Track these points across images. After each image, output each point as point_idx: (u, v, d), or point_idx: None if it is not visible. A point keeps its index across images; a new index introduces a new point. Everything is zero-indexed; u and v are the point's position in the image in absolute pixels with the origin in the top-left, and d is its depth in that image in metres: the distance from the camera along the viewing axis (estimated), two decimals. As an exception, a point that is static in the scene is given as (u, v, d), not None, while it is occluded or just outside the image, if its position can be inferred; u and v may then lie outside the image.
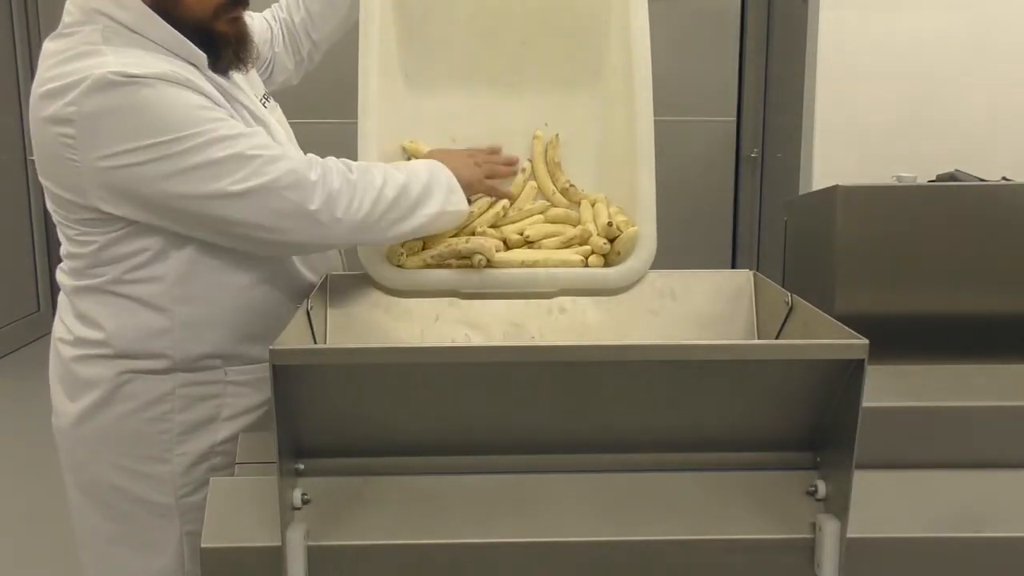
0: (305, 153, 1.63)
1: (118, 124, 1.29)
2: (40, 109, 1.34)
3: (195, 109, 1.33)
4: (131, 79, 1.29)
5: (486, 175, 1.59)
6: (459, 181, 1.51)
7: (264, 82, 1.71)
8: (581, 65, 1.67)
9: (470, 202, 1.55)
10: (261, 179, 1.32)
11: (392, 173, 1.44)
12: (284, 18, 1.76)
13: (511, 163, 1.65)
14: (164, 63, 1.34)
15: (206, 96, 1.36)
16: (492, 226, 1.58)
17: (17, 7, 4.79)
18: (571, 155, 1.67)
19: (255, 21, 1.71)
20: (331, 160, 1.41)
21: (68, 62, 1.32)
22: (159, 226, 1.37)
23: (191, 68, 1.39)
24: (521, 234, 1.57)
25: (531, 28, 1.66)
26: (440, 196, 1.47)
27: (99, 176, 1.32)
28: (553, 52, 1.67)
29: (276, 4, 1.80)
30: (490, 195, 1.60)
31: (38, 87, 1.35)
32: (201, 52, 1.40)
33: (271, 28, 1.75)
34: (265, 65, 1.74)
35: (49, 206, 1.45)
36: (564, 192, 1.63)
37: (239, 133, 1.34)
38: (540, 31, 1.66)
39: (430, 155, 1.57)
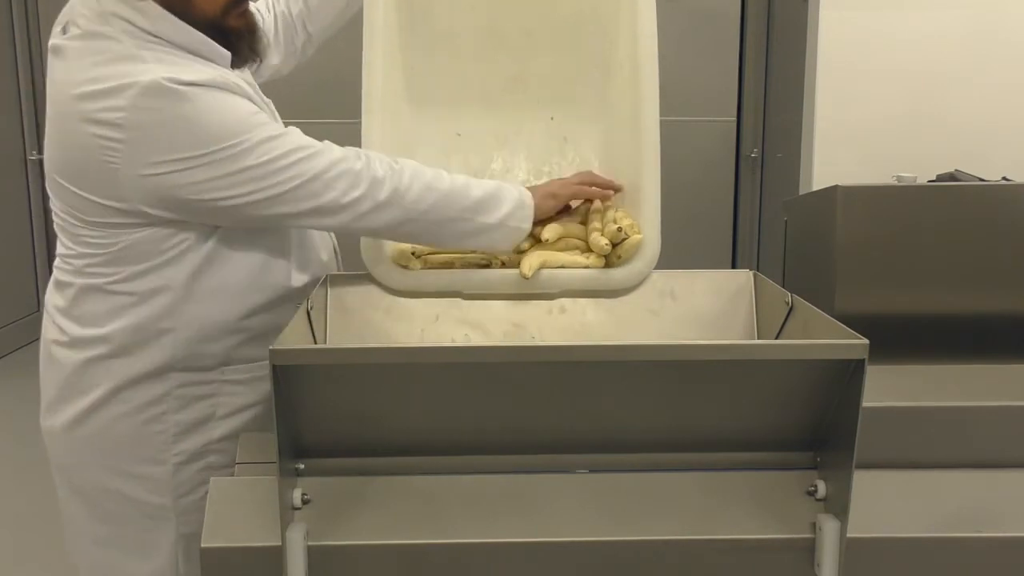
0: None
1: (171, 131, 1.30)
2: (79, 110, 1.32)
3: (245, 114, 1.35)
4: (184, 85, 1.29)
5: (574, 189, 1.57)
6: (538, 194, 1.50)
7: (253, 75, 1.69)
8: (587, 59, 1.66)
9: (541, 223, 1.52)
10: (309, 173, 1.35)
11: (448, 175, 1.45)
12: (281, 10, 1.74)
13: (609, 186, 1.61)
14: (191, 67, 1.34)
15: (250, 98, 1.38)
16: None
17: (17, 7, 4.78)
18: (575, 151, 1.67)
19: None
20: (375, 153, 1.43)
21: (108, 64, 1.31)
22: (184, 227, 1.38)
23: (220, 69, 1.39)
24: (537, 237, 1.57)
25: (537, 19, 1.66)
26: (507, 207, 1.46)
27: (147, 182, 1.32)
28: (559, 44, 1.66)
29: None
30: (580, 196, 1.59)
31: (73, 87, 1.32)
32: (225, 51, 1.40)
33: (263, 19, 1.73)
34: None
35: (58, 205, 1.42)
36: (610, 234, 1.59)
37: (284, 132, 1.37)
38: (546, 22, 1.66)
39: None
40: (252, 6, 1.70)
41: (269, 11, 1.74)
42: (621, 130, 1.62)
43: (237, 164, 1.32)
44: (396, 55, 1.63)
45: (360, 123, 1.58)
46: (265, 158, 1.33)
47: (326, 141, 1.42)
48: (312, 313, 1.42)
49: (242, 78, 1.51)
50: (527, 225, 1.49)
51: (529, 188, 1.52)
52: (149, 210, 1.35)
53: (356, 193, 1.38)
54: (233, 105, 1.34)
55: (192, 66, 1.34)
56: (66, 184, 1.37)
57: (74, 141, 1.34)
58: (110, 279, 1.40)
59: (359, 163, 1.39)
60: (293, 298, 1.49)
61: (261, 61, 1.52)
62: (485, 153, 1.67)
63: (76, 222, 1.40)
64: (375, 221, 1.41)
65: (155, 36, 1.35)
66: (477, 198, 1.44)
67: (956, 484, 1.28)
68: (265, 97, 1.60)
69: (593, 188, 1.59)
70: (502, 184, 1.49)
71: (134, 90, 1.28)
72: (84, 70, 1.32)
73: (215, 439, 1.47)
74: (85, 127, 1.31)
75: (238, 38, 1.43)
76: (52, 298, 1.48)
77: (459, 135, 1.66)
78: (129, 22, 1.34)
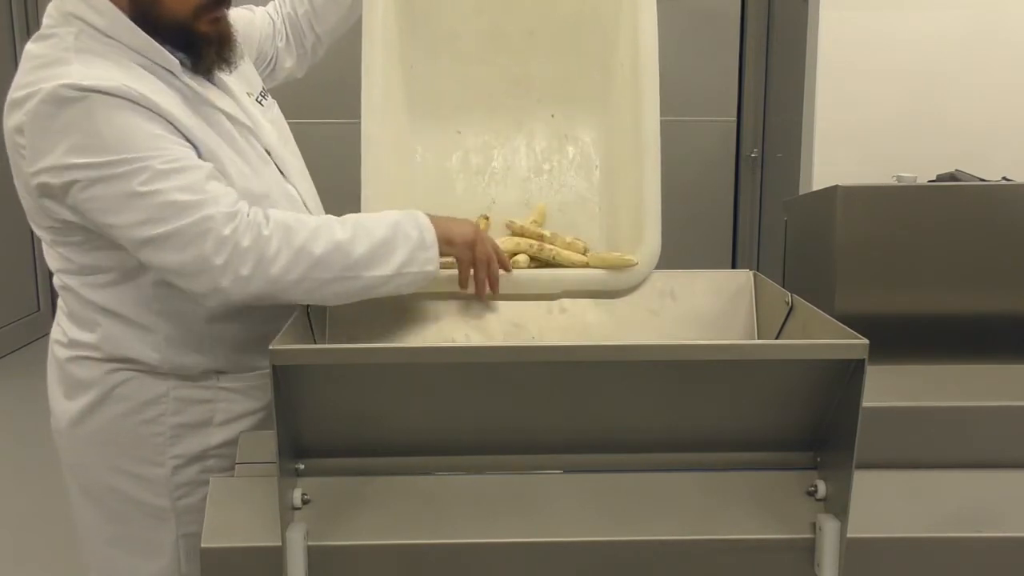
0: (303, 151, 1.63)
1: (59, 138, 1.28)
2: (7, 118, 1.34)
3: (138, 133, 1.28)
4: (80, 91, 1.26)
5: (482, 257, 1.46)
6: (446, 235, 1.40)
7: (266, 78, 1.69)
8: (589, 59, 1.66)
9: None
10: (173, 224, 1.27)
11: (328, 230, 1.33)
12: (288, 12, 1.75)
13: (502, 264, 1.50)
14: (129, 75, 1.32)
15: (162, 116, 1.32)
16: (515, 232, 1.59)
17: (17, 7, 4.78)
18: (576, 151, 1.67)
19: (257, 15, 1.70)
20: (254, 212, 1.31)
21: (37, 70, 1.31)
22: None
23: (165, 75, 1.37)
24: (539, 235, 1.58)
25: (539, 19, 1.66)
26: (402, 255, 1.36)
27: (42, 189, 1.32)
28: (560, 45, 1.66)
29: None
30: (466, 272, 1.47)
31: (10, 93, 1.33)
32: (174, 58, 1.38)
33: (273, 23, 1.73)
34: (267, 62, 1.73)
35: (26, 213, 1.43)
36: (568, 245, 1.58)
37: (172, 168, 1.28)
38: (548, 22, 1.66)
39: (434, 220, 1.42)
40: (258, 11, 1.71)
41: (278, 13, 1.74)
42: (621, 130, 1.62)
43: (115, 184, 1.27)
44: (396, 56, 1.63)
45: (360, 123, 1.58)
46: (140, 189, 1.26)
47: (224, 190, 1.31)
48: (312, 313, 1.42)
49: (238, 79, 1.51)
50: (432, 267, 1.38)
51: (434, 219, 1.40)
52: (60, 216, 1.34)
53: (218, 260, 1.27)
54: (129, 120, 1.28)
55: (113, 72, 1.30)
56: (19, 191, 1.39)
57: (9, 149, 1.35)
58: (84, 287, 1.41)
59: (228, 228, 1.28)
60: (281, 309, 1.47)
61: (232, 69, 1.46)
62: (486, 152, 1.67)
63: (37, 229, 1.42)
64: (238, 292, 1.30)
65: (109, 36, 1.34)
66: (361, 254, 1.33)
67: (956, 484, 1.28)
68: (268, 98, 1.59)
69: (478, 274, 1.47)
70: (401, 223, 1.37)
71: (37, 97, 1.28)
72: (20, 76, 1.33)
73: (213, 445, 1.46)
74: (11, 135, 1.33)
75: (206, 44, 1.40)
76: (59, 299, 1.49)
77: (459, 133, 1.66)
78: (85, 22, 1.34)
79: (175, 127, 1.33)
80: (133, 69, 1.34)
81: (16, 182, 1.39)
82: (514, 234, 1.59)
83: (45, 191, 1.32)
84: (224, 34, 1.44)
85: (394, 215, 1.39)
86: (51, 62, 1.31)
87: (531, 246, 1.55)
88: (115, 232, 1.30)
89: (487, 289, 1.49)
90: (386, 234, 1.35)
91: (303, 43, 1.77)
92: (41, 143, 1.29)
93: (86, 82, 1.27)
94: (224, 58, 1.44)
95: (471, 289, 1.49)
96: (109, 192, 1.27)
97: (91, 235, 1.35)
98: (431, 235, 1.39)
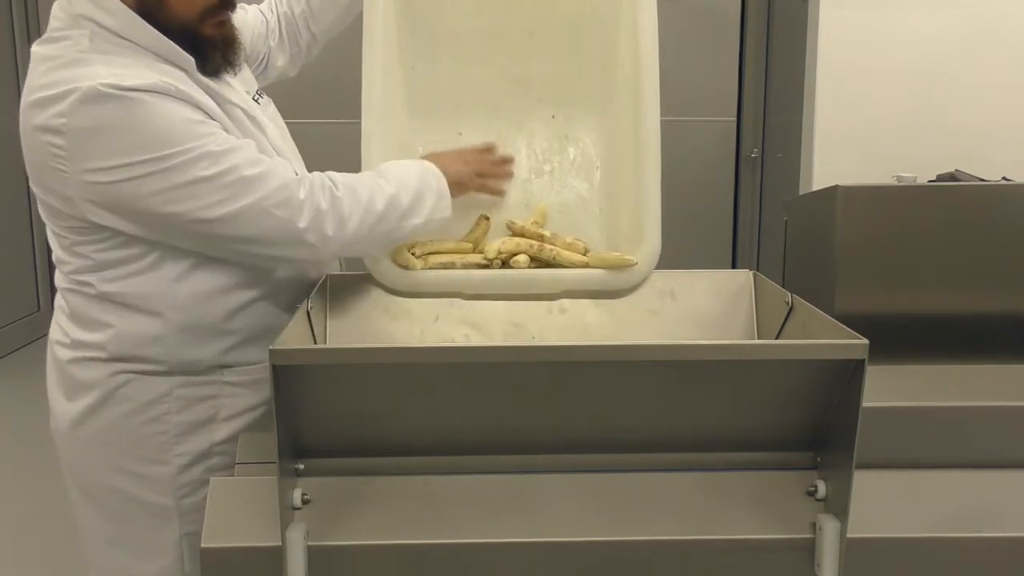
0: (302, 151, 1.63)
1: (108, 138, 1.28)
2: (30, 117, 1.33)
3: (186, 123, 1.31)
4: (122, 91, 1.27)
5: (476, 173, 1.59)
6: (449, 181, 1.50)
7: (258, 77, 1.69)
8: (589, 59, 1.66)
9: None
10: (250, 197, 1.32)
11: (380, 185, 1.43)
12: (284, 11, 1.74)
13: (506, 161, 1.64)
14: (154, 72, 1.33)
15: (198, 106, 1.35)
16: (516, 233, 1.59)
17: (17, 8, 4.78)
18: (576, 152, 1.67)
19: (249, 14, 1.70)
20: (317, 176, 1.40)
21: (58, 70, 1.31)
22: (151, 238, 1.37)
23: (181, 74, 1.38)
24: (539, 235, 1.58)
25: (539, 19, 1.66)
26: (430, 202, 1.47)
27: (88, 189, 1.32)
28: (560, 45, 1.66)
29: None
30: (481, 191, 1.60)
31: (29, 94, 1.34)
32: (189, 56, 1.38)
33: (267, 21, 1.73)
34: (259, 60, 1.73)
35: (40, 212, 1.44)
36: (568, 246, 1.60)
37: (229, 148, 1.33)
38: (548, 22, 1.66)
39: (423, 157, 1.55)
40: (251, 9, 1.71)
41: (272, 12, 1.74)
42: (622, 129, 1.62)
43: (177, 174, 1.29)
44: (396, 56, 1.63)
45: (360, 123, 1.58)
46: (205, 173, 1.30)
47: (278, 159, 1.41)
48: (312, 313, 1.42)
49: (239, 79, 1.51)
50: (448, 213, 1.50)
51: (432, 160, 1.52)
52: (101, 221, 1.34)
53: (301, 223, 1.35)
54: (175, 112, 1.31)
55: (141, 71, 1.32)
56: (36, 190, 1.39)
57: (31, 148, 1.35)
58: (96, 285, 1.41)
59: (302, 191, 1.36)
60: (282, 295, 1.49)
61: (236, 71, 1.49)
62: (485, 152, 1.67)
63: (55, 228, 1.42)
64: (323, 250, 1.40)
65: (122, 37, 1.35)
66: (406, 205, 1.44)
67: (956, 484, 1.28)
68: (263, 97, 1.60)
69: (489, 183, 1.61)
70: (424, 175, 1.48)
71: (74, 96, 1.28)
72: (37, 77, 1.33)
73: (218, 441, 1.47)
74: (37, 135, 1.33)
75: (211, 47, 1.42)
76: (57, 299, 1.49)
77: (460, 134, 1.66)
78: (97, 23, 1.34)
79: (211, 116, 1.36)
80: (155, 66, 1.35)
81: (36, 183, 1.38)
82: (514, 234, 1.59)
83: (92, 191, 1.32)
84: (229, 37, 1.45)
85: (414, 167, 1.50)
86: (71, 62, 1.31)
87: (531, 246, 1.55)
88: (178, 221, 1.32)
89: (503, 187, 1.63)
90: (417, 185, 1.46)
91: (298, 42, 1.76)
92: (87, 143, 1.29)
93: (125, 82, 1.28)
94: (229, 61, 1.45)
95: (474, 288, 1.53)
96: (170, 183, 1.30)
97: (121, 232, 1.36)
98: (445, 184, 1.49)
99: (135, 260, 1.39)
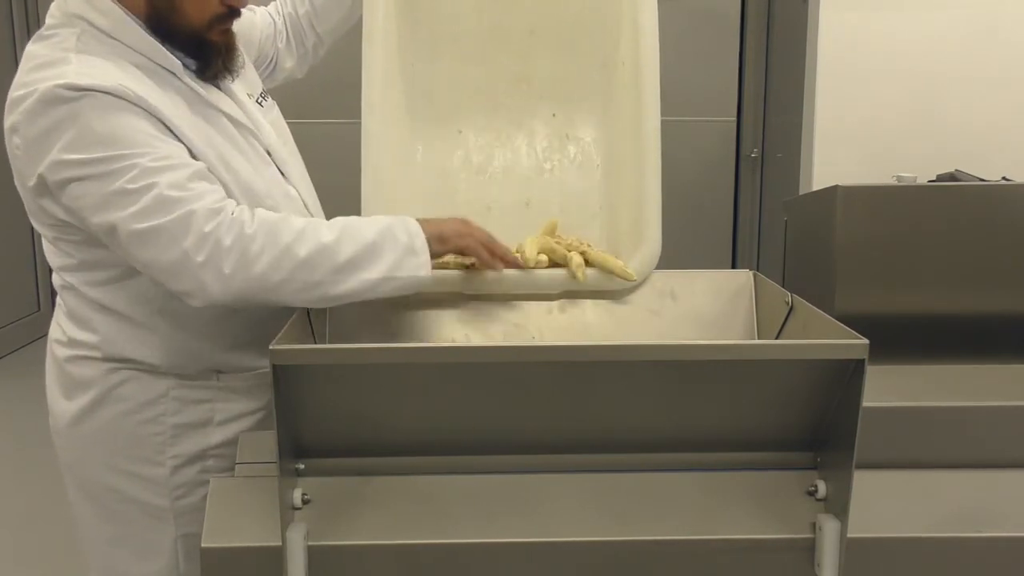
0: (303, 151, 1.63)
1: (54, 137, 1.28)
2: (5, 117, 1.34)
3: (131, 131, 1.28)
4: (77, 91, 1.27)
5: (480, 241, 1.44)
6: (430, 235, 1.37)
7: (266, 79, 1.69)
8: (589, 58, 1.66)
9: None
10: (160, 219, 1.26)
11: (315, 231, 1.31)
12: (289, 12, 1.75)
13: (506, 258, 1.48)
14: (125, 74, 1.32)
15: (156, 115, 1.32)
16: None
17: (17, 7, 4.78)
18: (577, 151, 1.67)
19: (258, 15, 1.70)
20: (239, 211, 1.30)
21: (34, 71, 1.31)
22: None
23: (168, 76, 1.38)
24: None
25: (539, 18, 1.66)
26: (390, 258, 1.33)
27: (38, 187, 1.32)
28: (561, 44, 1.66)
29: None
30: (476, 255, 1.44)
31: (10, 94, 1.33)
32: (175, 59, 1.38)
33: (274, 23, 1.73)
34: (267, 62, 1.73)
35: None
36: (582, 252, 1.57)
37: (162, 166, 1.27)
38: (549, 21, 1.66)
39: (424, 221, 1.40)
40: (259, 11, 1.71)
41: (279, 14, 1.75)
42: (622, 129, 1.62)
43: (109, 181, 1.27)
44: (396, 56, 1.63)
45: (360, 123, 1.58)
46: (130, 185, 1.26)
47: (215, 189, 1.31)
48: (312, 313, 1.42)
49: (241, 81, 1.51)
50: (424, 273, 1.35)
51: (423, 222, 1.38)
52: (64, 217, 1.34)
53: (199, 257, 1.26)
54: (122, 120, 1.28)
55: (111, 71, 1.31)
56: (19, 189, 1.39)
57: (8, 148, 1.35)
58: (84, 285, 1.41)
59: (210, 224, 1.26)
60: (281, 309, 1.47)
61: (233, 78, 1.48)
62: (486, 151, 1.67)
63: (38, 225, 1.42)
64: (220, 290, 1.27)
65: (112, 38, 1.35)
66: (347, 257, 1.30)
67: (956, 484, 1.28)
68: (268, 99, 1.60)
69: (484, 254, 1.44)
70: (391, 227, 1.35)
71: (33, 96, 1.28)
72: (19, 76, 1.33)
73: (213, 444, 1.47)
74: (8, 136, 1.34)
75: (215, 53, 1.42)
76: (57, 298, 1.49)
77: (460, 132, 1.66)
78: (88, 22, 1.34)
79: (168, 127, 1.33)
80: (132, 70, 1.34)
81: (16, 181, 1.39)
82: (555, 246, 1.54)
83: (42, 190, 1.32)
84: (231, 45, 1.46)
85: (385, 220, 1.37)
86: (50, 62, 1.32)
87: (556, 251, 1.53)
88: (103, 231, 1.30)
89: (500, 264, 1.47)
90: (375, 238, 1.33)
91: (304, 43, 1.77)
92: (36, 142, 1.29)
93: (82, 81, 1.28)
94: (228, 67, 1.45)
95: (474, 288, 1.50)
96: (99, 190, 1.27)
97: (90, 233, 1.36)
98: (421, 241, 1.36)
99: (112, 266, 1.38)
